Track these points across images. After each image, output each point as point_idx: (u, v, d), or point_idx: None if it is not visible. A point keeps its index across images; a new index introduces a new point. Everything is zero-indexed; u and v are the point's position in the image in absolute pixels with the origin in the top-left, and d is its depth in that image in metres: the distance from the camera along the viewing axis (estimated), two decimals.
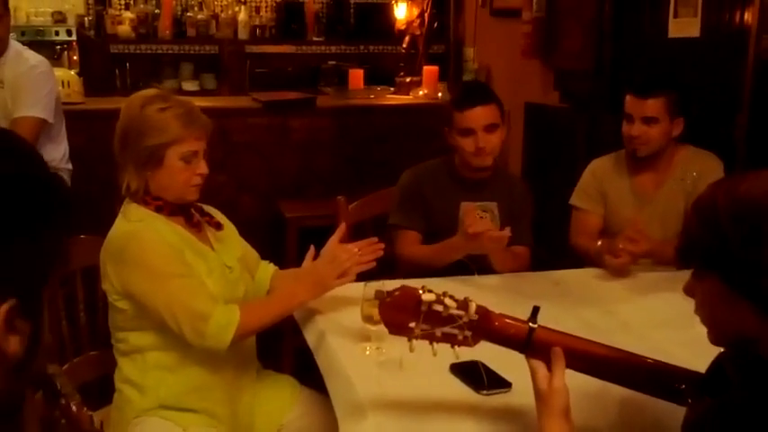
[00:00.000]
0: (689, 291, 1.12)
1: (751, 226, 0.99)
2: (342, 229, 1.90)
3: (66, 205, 0.82)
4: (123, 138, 1.74)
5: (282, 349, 2.90)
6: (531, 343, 1.21)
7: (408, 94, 4.30)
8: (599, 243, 2.25)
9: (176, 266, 1.69)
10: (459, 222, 2.32)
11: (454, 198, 2.34)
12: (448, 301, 1.19)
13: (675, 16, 2.93)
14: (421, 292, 1.19)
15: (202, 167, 1.77)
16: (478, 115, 2.24)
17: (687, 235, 1.09)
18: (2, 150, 0.79)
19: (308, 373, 1.87)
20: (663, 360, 1.28)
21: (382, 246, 1.86)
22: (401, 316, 1.19)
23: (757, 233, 0.98)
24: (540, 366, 1.21)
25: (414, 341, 1.20)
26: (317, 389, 1.87)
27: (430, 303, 1.18)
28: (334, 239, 1.84)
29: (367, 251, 1.82)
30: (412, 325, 1.18)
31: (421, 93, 4.21)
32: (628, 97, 2.35)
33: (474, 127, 2.24)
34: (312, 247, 1.88)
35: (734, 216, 1.01)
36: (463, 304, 1.20)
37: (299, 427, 1.89)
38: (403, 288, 1.20)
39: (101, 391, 1.94)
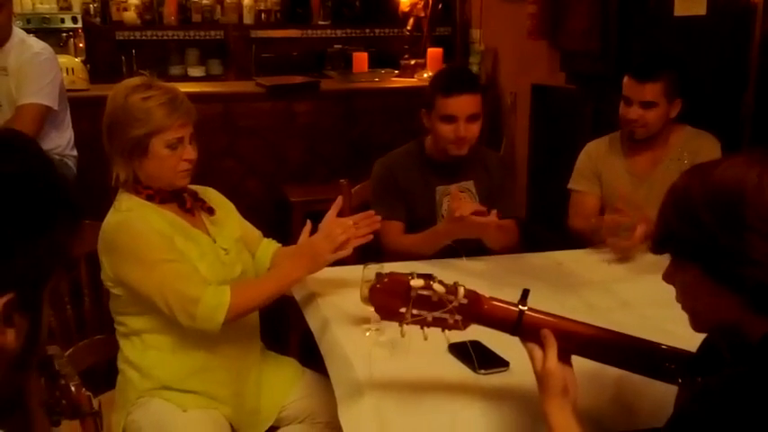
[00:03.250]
0: (668, 279, 1.11)
1: (729, 214, 0.98)
2: (338, 203, 1.88)
3: (70, 206, 0.81)
4: (109, 129, 1.75)
5: (289, 332, 2.92)
6: (520, 326, 1.22)
7: (413, 77, 4.29)
8: (593, 221, 2.25)
9: (165, 252, 1.70)
10: (437, 207, 2.32)
11: (429, 182, 2.32)
12: (437, 286, 1.20)
13: None
14: (410, 277, 1.20)
15: (189, 153, 1.76)
16: (464, 104, 2.19)
17: (664, 225, 1.08)
18: (8, 150, 0.80)
19: (311, 355, 1.89)
20: (663, 337, 1.29)
21: (379, 219, 1.86)
22: (391, 302, 1.20)
23: (736, 220, 0.97)
24: (535, 349, 1.22)
25: (405, 326, 1.21)
26: (320, 371, 1.89)
27: (419, 289, 1.19)
28: (330, 214, 1.84)
29: (363, 224, 1.82)
30: (402, 310, 1.20)
31: (425, 75, 4.19)
32: (626, 80, 2.32)
33: (458, 115, 2.19)
34: (309, 223, 1.88)
35: (711, 205, 1.00)
36: (452, 289, 1.21)
37: (300, 407, 1.91)
38: (392, 274, 1.22)
39: (107, 374, 1.96)
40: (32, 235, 0.76)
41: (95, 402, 1.54)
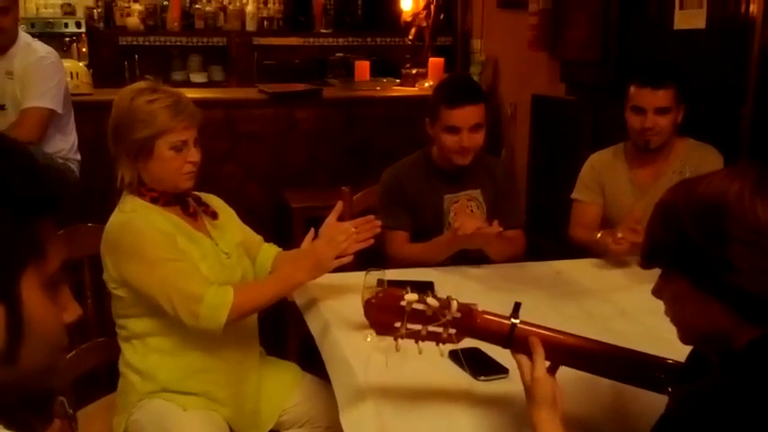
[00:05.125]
0: (657, 293, 1.14)
1: (712, 224, 1.01)
2: (338, 207, 1.89)
3: (42, 194, 0.80)
4: (115, 131, 1.77)
5: (288, 337, 2.94)
6: (512, 338, 1.24)
7: (414, 86, 4.31)
8: (599, 235, 2.26)
9: (168, 251, 1.72)
10: (444, 215, 2.34)
11: (436, 191, 2.34)
12: (430, 300, 1.22)
13: (681, 7, 2.92)
14: (404, 292, 1.21)
15: (193, 155, 1.79)
16: (468, 115, 2.21)
17: (652, 237, 1.11)
18: None
19: (311, 360, 1.90)
20: (660, 346, 1.30)
21: (379, 223, 1.87)
22: (386, 316, 1.22)
23: (720, 230, 1.00)
24: (523, 359, 1.24)
25: (400, 340, 1.23)
26: (320, 376, 1.90)
27: (413, 303, 1.21)
28: (331, 218, 1.85)
29: (364, 229, 1.83)
30: (397, 325, 1.22)
31: (427, 84, 4.22)
32: (636, 89, 2.32)
33: (461, 126, 2.21)
34: (312, 230, 1.89)
35: (695, 216, 1.03)
36: (446, 303, 1.23)
37: (301, 411, 1.93)
38: (387, 289, 1.25)
39: (109, 376, 1.98)
40: None
41: (101, 407, 1.54)
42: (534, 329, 1.25)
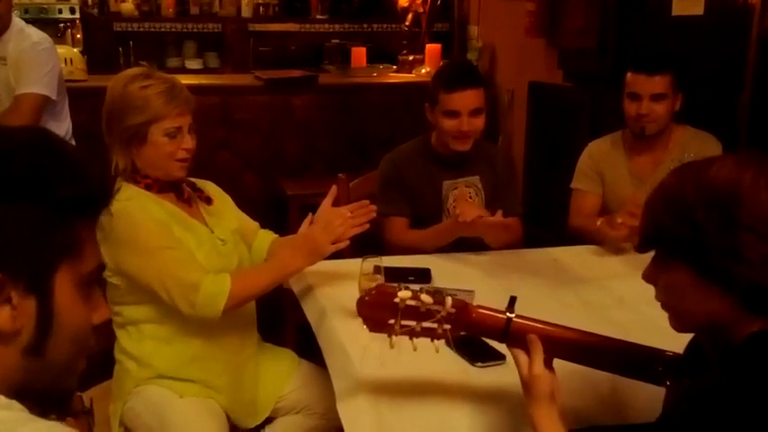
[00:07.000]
0: (649, 278, 1.11)
1: (724, 213, 0.98)
2: (333, 192, 1.88)
3: (83, 194, 0.80)
4: (109, 117, 1.76)
5: (285, 324, 2.93)
6: (508, 333, 1.23)
7: (411, 73, 4.30)
8: (599, 222, 2.25)
9: (164, 240, 1.71)
10: (443, 201, 2.33)
11: (435, 178, 2.34)
12: (424, 296, 1.21)
13: None
14: (397, 289, 1.21)
15: (187, 142, 1.78)
16: (467, 99, 2.20)
17: (653, 223, 1.07)
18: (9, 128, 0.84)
19: (308, 347, 1.90)
20: (657, 334, 1.30)
21: (374, 208, 1.86)
22: (379, 314, 1.22)
23: (731, 220, 0.98)
24: (520, 354, 1.23)
25: (395, 337, 1.22)
26: (316, 363, 1.90)
27: (407, 300, 1.20)
28: (326, 203, 1.84)
29: (359, 213, 1.82)
30: (391, 322, 1.21)
31: (423, 71, 4.21)
32: (632, 76, 2.32)
33: (460, 110, 2.20)
34: (310, 215, 1.88)
35: (706, 204, 1.00)
36: (440, 299, 1.22)
37: (297, 398, 1.93)
38: (379, 286, 1.24)
39: (104, 363, 1.97)
40: (19, 214, 0.75)
41: (87, 401, 1.54)
42: (530, 323, 1.24)
